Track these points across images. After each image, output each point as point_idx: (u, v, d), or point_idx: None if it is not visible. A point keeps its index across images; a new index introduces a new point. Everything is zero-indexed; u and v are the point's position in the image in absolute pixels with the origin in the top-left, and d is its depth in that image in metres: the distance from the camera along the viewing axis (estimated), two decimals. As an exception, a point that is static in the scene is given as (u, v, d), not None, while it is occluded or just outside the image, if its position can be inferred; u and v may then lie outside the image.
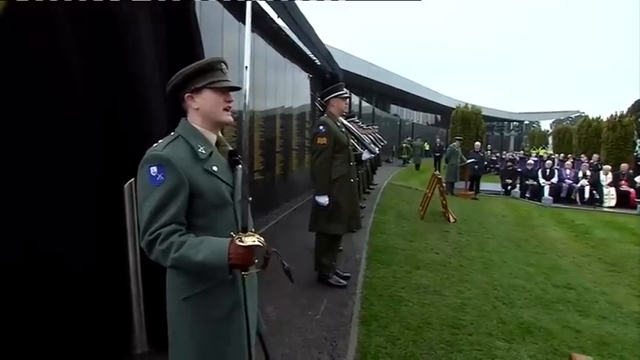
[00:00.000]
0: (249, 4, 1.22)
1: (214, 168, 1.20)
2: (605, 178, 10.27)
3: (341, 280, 3.32)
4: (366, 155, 3.41)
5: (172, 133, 1.22)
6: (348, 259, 4.09)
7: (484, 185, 11.31)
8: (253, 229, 1.20)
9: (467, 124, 15.04)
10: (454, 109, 16.54)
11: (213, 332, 1.19)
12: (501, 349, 2.65)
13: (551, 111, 46.30)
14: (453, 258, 4.65)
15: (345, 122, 3.27)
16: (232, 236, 1.10)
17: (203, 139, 1.22)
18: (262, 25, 5.38)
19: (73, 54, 1.68)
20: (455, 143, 10.52)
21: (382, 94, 21.92)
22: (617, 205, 9.83)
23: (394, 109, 26.92)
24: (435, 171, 9.19)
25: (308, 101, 8.21)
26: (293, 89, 7.06)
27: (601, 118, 16.74)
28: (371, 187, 8.77)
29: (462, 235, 5.87)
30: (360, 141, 3.41)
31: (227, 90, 1.24)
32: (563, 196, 10.34)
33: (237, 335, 1.22)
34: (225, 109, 1.24)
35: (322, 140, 3.02)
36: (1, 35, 1.43)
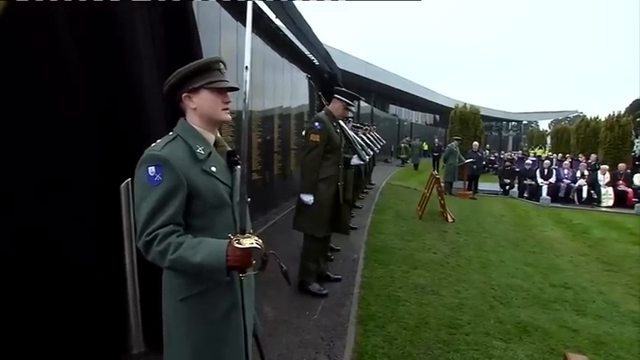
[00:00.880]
0: (249, 5, 1.22)
1: (213, 168, 1.19)
2: (603, 177, 10.30)
3: (322, 289, 3.14)
4: (355, 161, 3.32)
5: (171, 133, 1.22)
6: (346, 258, 4.09)
7: (482, 185, 11.35)
8: (251, 230, 1.20)
9: (465, 124, 15.06)
10: (452, 108, 16.56)
11: (209, 334, 1.19)
12: (498, 349, 2.66)
13: (550, 111, 46.42)
14: (451, 258, 4.66)
15: (342, 124, 3.23)
16: (230, 238, 1.10)
17: (202, 139, 1.21)
18: (261, 24, 5.37)
19: (72, 54, 1.68)
20: (453, 143, 10.54)
21: (381, 93, 21.94)
22: (614, 205, 9.87)
23: (393, 109, 26.94)
24: (434, 171, 9.20)
25: (306, 101, 8.21)
26: (291, 89, 7.05)
27: (599, 118, 16.78)
28: (368, 187, 8.75)
29: (460, 235, 5.88)
30: (352, 146, 3.31)
31: (225, 90, 1.23)
32: (561, 195, 10.38)
33: (234, 337, 1.22)
34: (224, 109, 1.23)
35: (315, 137, 2.94)
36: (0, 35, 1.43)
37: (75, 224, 1.73)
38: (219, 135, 1.29)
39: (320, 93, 3.77)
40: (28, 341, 1.59)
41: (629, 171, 10.80)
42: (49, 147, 1.62)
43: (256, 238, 1.11)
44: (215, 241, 1.11)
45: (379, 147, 7.39)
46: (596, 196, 10.16)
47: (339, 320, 2.77)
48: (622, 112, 15.20)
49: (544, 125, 48.44)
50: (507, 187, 11.48)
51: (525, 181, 11.04)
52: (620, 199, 9.95)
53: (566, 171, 10.85)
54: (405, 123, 27.05)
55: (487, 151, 20.34)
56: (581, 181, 10.46)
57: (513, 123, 43.74)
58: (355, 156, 3.33)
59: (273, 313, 2.77)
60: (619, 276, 4.66)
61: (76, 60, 1.70)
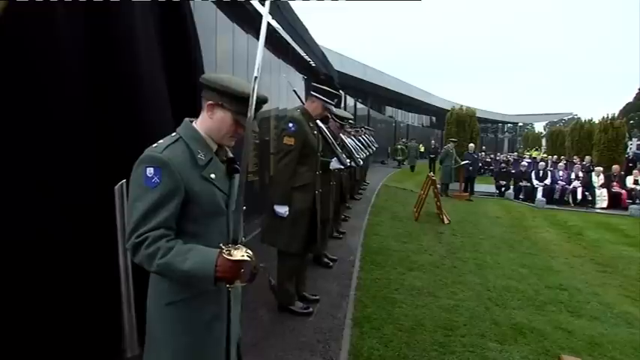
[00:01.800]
0: (264, 22, 1.22)
1: (212, 175, 1.18)
2: (598, 179, 10.38)
3: (306, 307, 2.85)
4: (334, 164, 3.03)
5: (173, 134, 1.20)
6: (342, 260, 4.08)
7: (478, 187, 11.40)
8: (244, 238, 1.18)
9: (461, 126, 15.10)
10: (449, 110, 16.62)
11: (191, 341, 1.18)
12: (494, 351, 2.66)
13: (545, 113, 46.81)
14: (447, 259, 4.67)
15: (320, 124, 2.90)
16: (221, 248, 1.07)
17: (204, 144, 1.20)
18: (256, 26, 5.37)
19: (69, 54, 1.67)
20: (449, 145, 10.58)
21: (377, 95, 21.98)
22: (609, 207, 9.93)
23: (389, 110, 27.01)
24: (430, 172, 9.23)
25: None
26: (288, 90, 7.05)
27: (593, 120, 16.92)
28: (361, 190, 8.72)
29: (456, 237, 5.89)
30: (332, 148, 3.04)
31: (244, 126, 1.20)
32: (557, 197, 10.43)
33: (214, 348, 1.22)
34: (231, 137, 1.23)
35: (290, 140, 2.59)
36: None
37: (68, 225, 1.71)
38: None
39: (294, 90, 3.45)
40: (18, 344, 1.57)
41: (622, 173, 10.89)
42: (45, 147, 1.60)
43: (247, 250, 1.08)
44: (205, 249, 1.09)
45: (369, 152, 7.27)
46: (590, 198, 10.22)
47: (335, 322, 2.76)
48: (616, 115, 15.35)
49: (539, 127, 48.88)
50: (503, 188, 11.52)
51: (521, 183, 11.09)
52: (615, 201, 10.01)
53: (561, 173, 10.91)
54: (402, 125, 27.14)
55: (483, 153, 20.46)
56: (576, 183, 10.53)
57: (509, 125, 44.03)
58: (334, 159, 3.07)
59: (269, 316, 2.75)
60: (613, 277, 4.69)
61: (74, 60, 1.69)
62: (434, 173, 9.77)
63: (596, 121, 15.75)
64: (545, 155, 21.12)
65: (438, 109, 28.70)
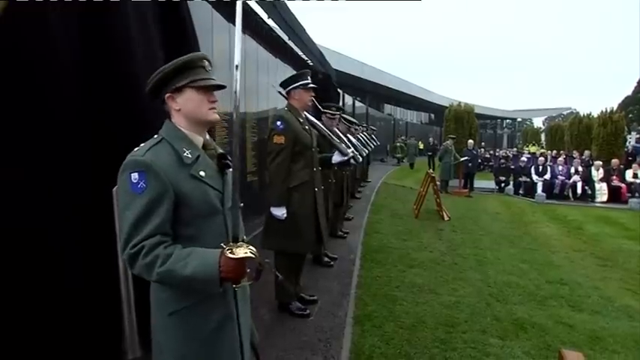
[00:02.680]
0: (239, 5, 1.17)
1: (202, 173, 1.12)
2: (597, 173, 10.38)
3: (304, 309, 2.79)
4: (336, 158, 2.89)
5: (156, 136, 1.15)
6: (343, 259, 4.08)
7: (478, 183, 11.41)
8: (245, 237, 1.13)
9: (460, 123, 15.08)
10: (447, 107, 16.61)
11: (203, 349, 1.13)
12: (495, 347, 2.66)
13: (543, 108, 46.71)
14: (447, 256, 4.67)
15: (311, 118, 2.80)
16: (222, 247, 1.03)
17: (188, 141, 1.14)
18: (253, 25, 5.36)
19: (63, 53, 1.66)
20: (448, 142, 10.60)
21: (376, 93, 21.97)
22: (608, 201, 9.95)
23: (388, 108, 27.00)
24: (429, 169, 9.23)
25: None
26: (286, 90, 7.04)
27: (592, 114, 16.90)
28: (362, 184, 8.73)
29: (456, 233, 5.89)
30: (330, 140, 2.92)
31: (211, 89, 1.16)
32: (556, 192, 10.44)
33: (229, 350, 1.16)
34: (210, 109, 1.15)
35: (279, 139, 2.51)
36: None
37: (66, 226, 1.71)
38: (208, 137, 1.23)
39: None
40: (19, 345, 1.56)
41: (622, 166, 10.89)
42: (40, 147, 1.60)
43: (250, 246, 1.04)
44: (206, 251, 1.04)
45: (369, 149, 7.25)
46: (590, 192, 10.24)
47: (335, 321, 2.76)
48: (614, 109, 15.30)
49: (538, 122, 48.75)
50: (503, 184, 11.54)
51: (520, 178, 11.10)
52: (614, 195, 10.02)
53: (560, 167, 10.92)
54: (401, 122, 27.13)
55: (482, 149, 20.45)
56: (576, 178, 10.53)
57: (508, 121, 44.02)
58: (336, 152, 2.93)
59: (270, 315, 2.75)
60: (613, 271, 4.69)
61: (70, 60, 1.69)
62: (433, 170, 9.79)
63: (595, 116, 15.75)
64: (544, 150, 21.10)
65: (438, 107, 28.67)
